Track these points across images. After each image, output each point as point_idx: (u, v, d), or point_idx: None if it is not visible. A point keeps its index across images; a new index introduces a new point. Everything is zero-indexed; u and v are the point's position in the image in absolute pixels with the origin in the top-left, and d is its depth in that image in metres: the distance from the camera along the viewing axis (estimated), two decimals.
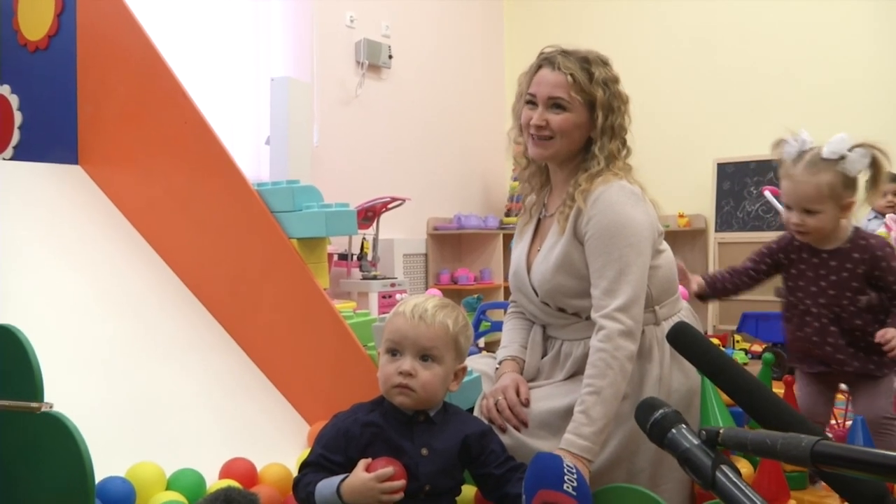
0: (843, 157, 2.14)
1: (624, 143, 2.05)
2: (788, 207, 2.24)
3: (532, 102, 2.04)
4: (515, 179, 4.09)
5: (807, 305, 2.28)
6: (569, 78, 1.98)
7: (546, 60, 2.03)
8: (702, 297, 2.47)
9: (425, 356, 1.64)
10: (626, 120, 2.05)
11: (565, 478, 1.52)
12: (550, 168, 2.14)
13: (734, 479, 1.03)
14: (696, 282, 2.44)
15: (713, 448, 1.09)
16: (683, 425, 1.15)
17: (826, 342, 2.25)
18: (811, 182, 2.16)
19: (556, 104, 2.00)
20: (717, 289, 2.46)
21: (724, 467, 1.05)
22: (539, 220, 2.17)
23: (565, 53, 2.02)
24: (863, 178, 2.22)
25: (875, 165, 2.16)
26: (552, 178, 2.16)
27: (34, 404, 1.59)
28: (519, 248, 2.17)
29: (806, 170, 2.17)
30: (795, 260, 2.32)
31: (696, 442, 1.11)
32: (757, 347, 5.50)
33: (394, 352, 1.66)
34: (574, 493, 1.50)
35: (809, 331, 2.28)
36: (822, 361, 2.28)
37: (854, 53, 6.01)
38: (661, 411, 1.18)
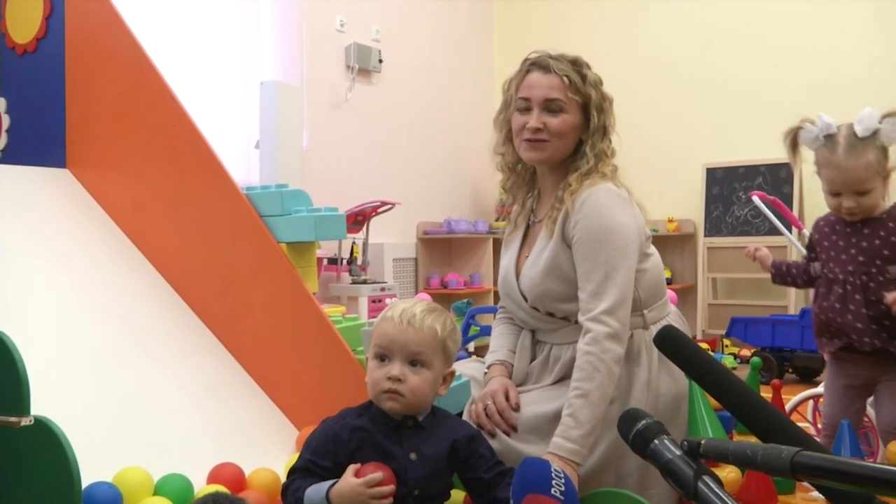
0: (877, 132, 2.15)
1: (611, 141, 2.07)
2: (836, 194, 2.23)
3: (525, 107, 2.04)
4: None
5: (835, 273, 2.28)
6: (564, 80, 2.00)
7: (535, 65, 2.04)
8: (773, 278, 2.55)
9: (414, 361, 1.64)
10: (612, 119, 2.07)
11: (553, 482, 1.52)
12: (539, 173, 2.15)
13: (716, 490, 1.04)
14: (764, 255, 2.54)
15: (695, 459, 1.09)
16: (665, 436, 1.16)
17: (847, 309, 2.23)
18: (859, 165, 2.16)
19: (552, 106, 2.00)
20: (783, 270, 2.51)
21: (705, 478, 1.06)
22: (528, 227, 2.17)
23: (554, 57, 2.04)
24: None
25: None
26: (540, 184, 2.17)
27: (13, 419, 1.58)
28: (508, 256, 2.17)
29: (848, 153, 2.16)
30: (828, 233, 2.33)
31: (678, 453, 1.11)
32: (746, 352, 5.52)
33: (382, 357, 1.65)
34: (562, 498, 1.51)
35: (833, 298, 2.27)
36: (842, 332, 2.25)
37: (844, 59, 6.04)
38: (643, 422, 1.19)
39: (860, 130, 2.15)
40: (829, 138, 2.20)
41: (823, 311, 2.30)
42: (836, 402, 2.34)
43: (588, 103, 2.02)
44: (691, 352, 1.49)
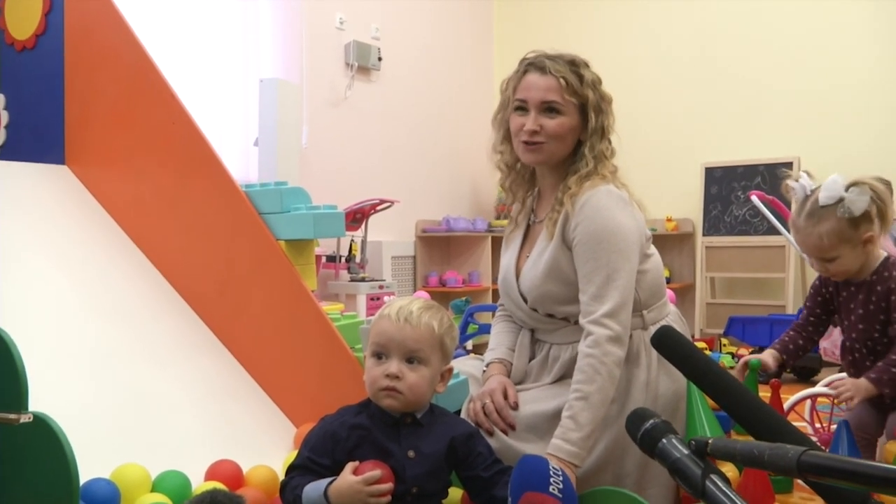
0: (841, 200, 2.06)
1: (610, 142, 2.06)
2: (809, 255, 2.19)
3: (522, 108, 2.02)
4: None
5: (845, 337, 2.25)
6: (561, 81, 1.97)
7: (532, 65, 2.02)
8: (783, 366, 2.35)
9: (411, 358, 1.64)
10: (611, 119, 2.06)
11: (551, 480, 1.52)
12: (539, 173, 2.14)
13: (724, 489, 1.04)
14: (772, 356, 2.31)
15: (702, 458, 1.10)
16: (673, 435, 1.16)
17: (862, 375, 2.16)
18: (814, 234, 2.10)
19: (549, 108, 1.99)
20: (790, 351, 2.34)
21: (713, 477, 1.06)
22: (528, 227, 2.17)
23: (551, 57, 2.01)
24: None
25: (876, 199, 2.07)
26: (540, 184, 2.16)
27: (13, 416, 1.58)
28: (507, 256, 2.16)
29: (807, 221, 2.11)
30: (834, 292, 2.27)
31: (685, 452, 1.12)
32: (744, 351, 5.52)
33: (380, 354, 1.65)
34: (560, 495, 1.51)
35: (847, 363, 2.26)
36: None
37: (843, 59, 6.04)
38: (651, 422, 1.19)
39: (822, 198, 2.08)
40: (804, 199, 2.15)
41: (846, 371, 2.29)
42: (857, 408, 2.27)
43: (585, 104, 2.00)
44: (687, 352, 1.49)
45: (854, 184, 2.06)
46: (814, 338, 2.35)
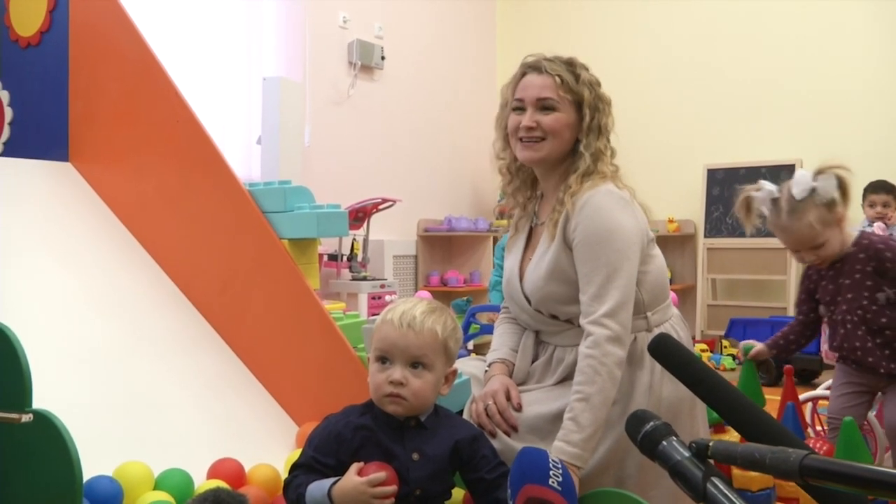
0: (813, 189, 2.23)
1: (608, 141, 2.07)
2: (797, 251, 2.34)
3: (520, 108, 2.05)
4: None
5: (835, 314, 2.38)
6: (556, 79, 2.01)
7: (530, 67, 2.06)
8: (779, 362, 2.55)
9: (416, 363, 1.63)
10: (610, 120, 2.07)
11: (550, 472, 1.52)
12: (539, 175, 2.15)
13: (725, 492, 1.04)
14: (758, 351, 2.52)
15: (703, 460, 1.09)
16: (674, 437, 1.16)
17: (855, 346, 2.33)
18: (802, 226, 2.26)
19: (545, 105, 2.01)
20: (781, 346, 2.54)
21: (714, 479, 1.06)
22: (531, 229, 2.17)
23: (549, 59, 2.05)
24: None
25: (840, 181, 2.25)
26: (542, 186, 2.17)
27: (15, 415, 1.58)
28: (511, 259, 2.17)
29: (790, 217, 2.27)
30: (817, 279, 2.43)
31: (686, 454, 1.11)
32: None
33: (383, 360, 1.65)
34: (559, 488, 1.50)
35: (840, 338, 2.37)
36: (858, 364, 2.36)
37: (846, 61, 6.05)
38: (651, 423, 1.19)
39: (797, 193, 2.25)
40: (775, 202, 2.32)
41: (836, 350, 2.43)
42: (844, 398, 2.40)
43: (581, 102, 2.02)
44: (685, 359, 1.49)
45: (819, 172, 2.26)
46: (805, 333, 2.52)
